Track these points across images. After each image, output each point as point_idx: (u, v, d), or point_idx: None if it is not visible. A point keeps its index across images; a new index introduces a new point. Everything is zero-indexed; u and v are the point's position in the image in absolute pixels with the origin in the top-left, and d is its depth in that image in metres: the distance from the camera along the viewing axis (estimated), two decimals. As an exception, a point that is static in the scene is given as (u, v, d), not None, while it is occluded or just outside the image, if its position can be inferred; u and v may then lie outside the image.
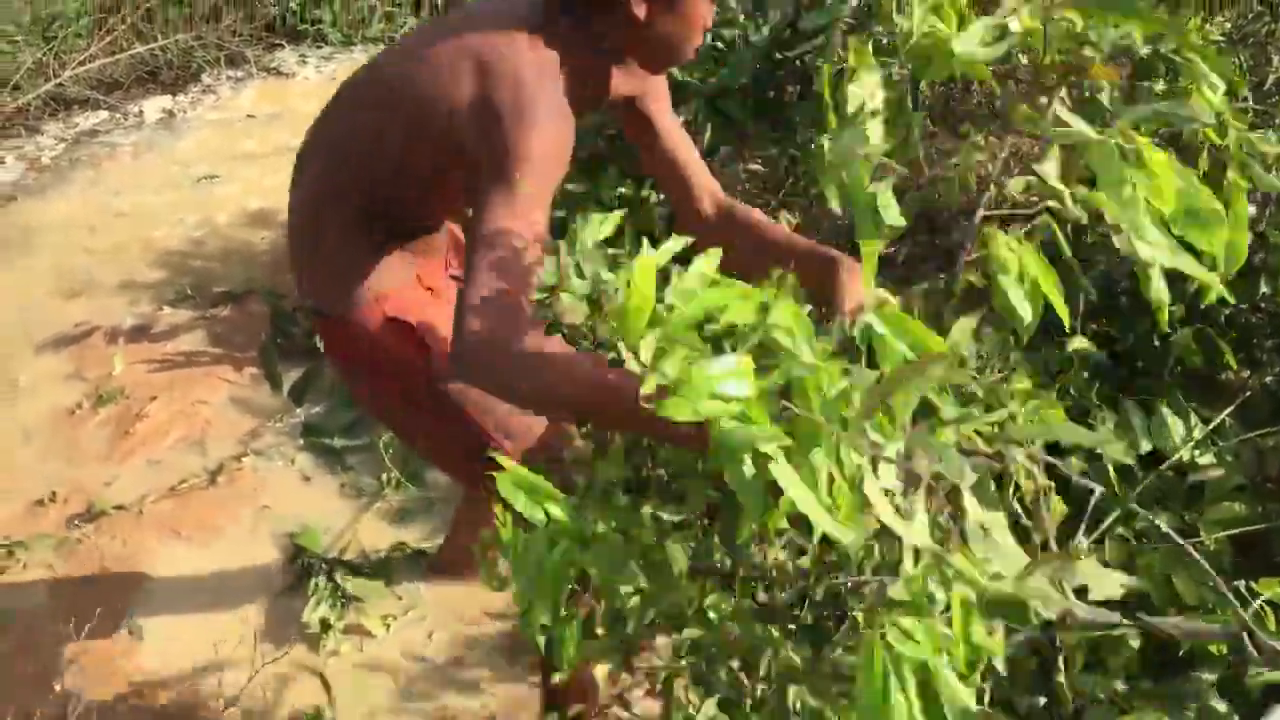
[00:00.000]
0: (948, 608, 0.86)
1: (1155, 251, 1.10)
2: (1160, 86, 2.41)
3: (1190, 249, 1.13)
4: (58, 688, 2.04)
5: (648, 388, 0.90)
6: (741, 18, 3.03)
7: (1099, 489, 1.12)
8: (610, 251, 1.23)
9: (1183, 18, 2.36)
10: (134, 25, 4.88)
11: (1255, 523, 1.53)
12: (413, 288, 1.58)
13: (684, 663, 1.09)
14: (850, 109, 1.14)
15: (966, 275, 1.25)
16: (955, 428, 1.00)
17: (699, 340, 0.98)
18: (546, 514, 1.01)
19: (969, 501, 0.86)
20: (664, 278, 1.02)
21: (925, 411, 1.02)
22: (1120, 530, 1.62)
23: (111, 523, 2.44)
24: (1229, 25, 2.64)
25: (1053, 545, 1.08)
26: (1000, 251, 1.16)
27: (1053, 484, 1.10)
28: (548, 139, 1.29)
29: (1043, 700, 1.45)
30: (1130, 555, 1.53)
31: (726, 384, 0.88)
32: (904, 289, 1.67)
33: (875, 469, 0.88)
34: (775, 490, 0.88)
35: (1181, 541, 1.09)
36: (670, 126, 1.65)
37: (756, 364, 0.93)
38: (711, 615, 1.07)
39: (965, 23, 1.16)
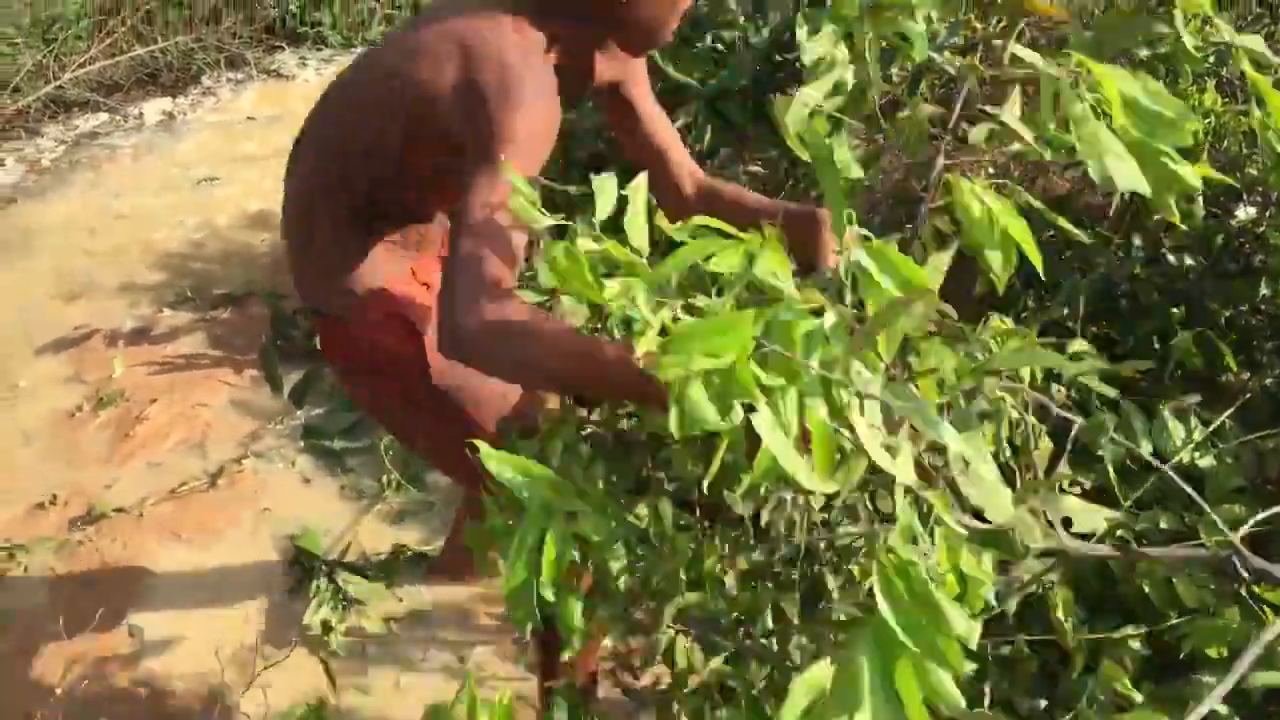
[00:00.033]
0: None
1: (1124, 177, 1.10)
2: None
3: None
4: (58, 690, 2.04)
5: (645, 345, 0.91)
6: (741, 19, 3.03)
7: (1080, 421, 1.13)
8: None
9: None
10: (134, 27, 4.88)
11: (1255, 525, 1.53)
12: (407, 283, 1.58)
13: (681, 629, 1.11)
14: (808, 62, 1.16)
15: (933, 221, 1.26)
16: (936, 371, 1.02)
17: (686, 292, 1.00)
18: (535, 489, 1.02)
19: (949, 435, 0.87)
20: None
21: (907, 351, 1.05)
22: (1120, 532, 1.62)
23: (112, 525, 2.44)
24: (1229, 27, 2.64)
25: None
26: (964, 198, 1.16)
27: (1043, 427, 1.11)
28: (533, 118, 1.29)
29: (1044, 703, 1.45)
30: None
31: (718, 339, 0.88)
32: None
33: (862, 408, 0.89)
34: (752, 440, 0.89)
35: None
36: (651, 110, 1.67)
37: (740, 309, 0.94)
38: (708, 577, 1.09)
39: None
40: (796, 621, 1.09)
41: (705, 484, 0.98)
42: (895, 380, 0.94)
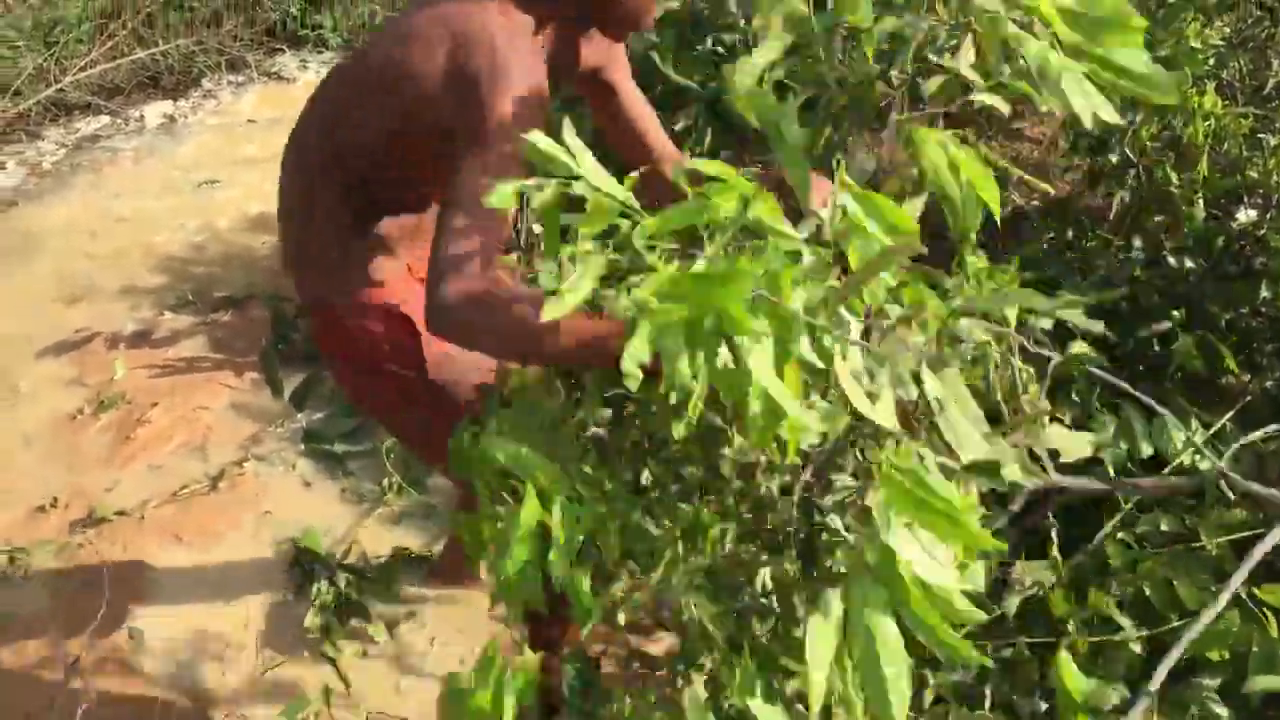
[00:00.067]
0: None
1: (1089, 111, 1.10)
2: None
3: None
4: (59, 693, 2.04)
5: (648, 289, 0.91)
6: (742, 22, 3.04)
7: (1055, 356, 1.14)
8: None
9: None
10: (135, 30, 4.88)
11: (1255, 527, 1.53)
12: (404, 279, 1.59)
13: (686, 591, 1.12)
14: (755, 28, 1.19)
15: (902, 172, 1.27)
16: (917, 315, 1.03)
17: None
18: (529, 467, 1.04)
19: (926, 378, 0.89)
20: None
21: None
22: (1121, 534, 1.62)
23: (113, 528, 2.44)
24: (1229, 30, 2.65)
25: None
26: (927, 148, 1.17)
27: (1032, 371, 1.13)
28: (522, 102, 1.31)
29: (1044, 706, 1.45)
30: (1132, 559, 1.54)
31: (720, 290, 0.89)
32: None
33: (844, 354, 0.91)
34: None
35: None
36: (632, 95, 1.70)
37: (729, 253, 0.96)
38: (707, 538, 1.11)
39: None
40: (798, 578, 1.11)
41: (682, 441, 1.00)
42: (876, 326, 0.97)
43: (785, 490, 1.11)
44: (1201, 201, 2.31)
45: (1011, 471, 0.99)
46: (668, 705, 1.14)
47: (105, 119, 4.58)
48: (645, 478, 1.15)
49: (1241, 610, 1.34)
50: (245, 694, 2.03)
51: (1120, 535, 1.61)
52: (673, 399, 0.92)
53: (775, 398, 0.88)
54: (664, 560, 1.10)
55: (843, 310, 0.93)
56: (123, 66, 4.75)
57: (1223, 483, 1.09)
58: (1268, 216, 2.20)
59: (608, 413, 1.19)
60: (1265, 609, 1.31)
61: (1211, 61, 2.48)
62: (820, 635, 0.87)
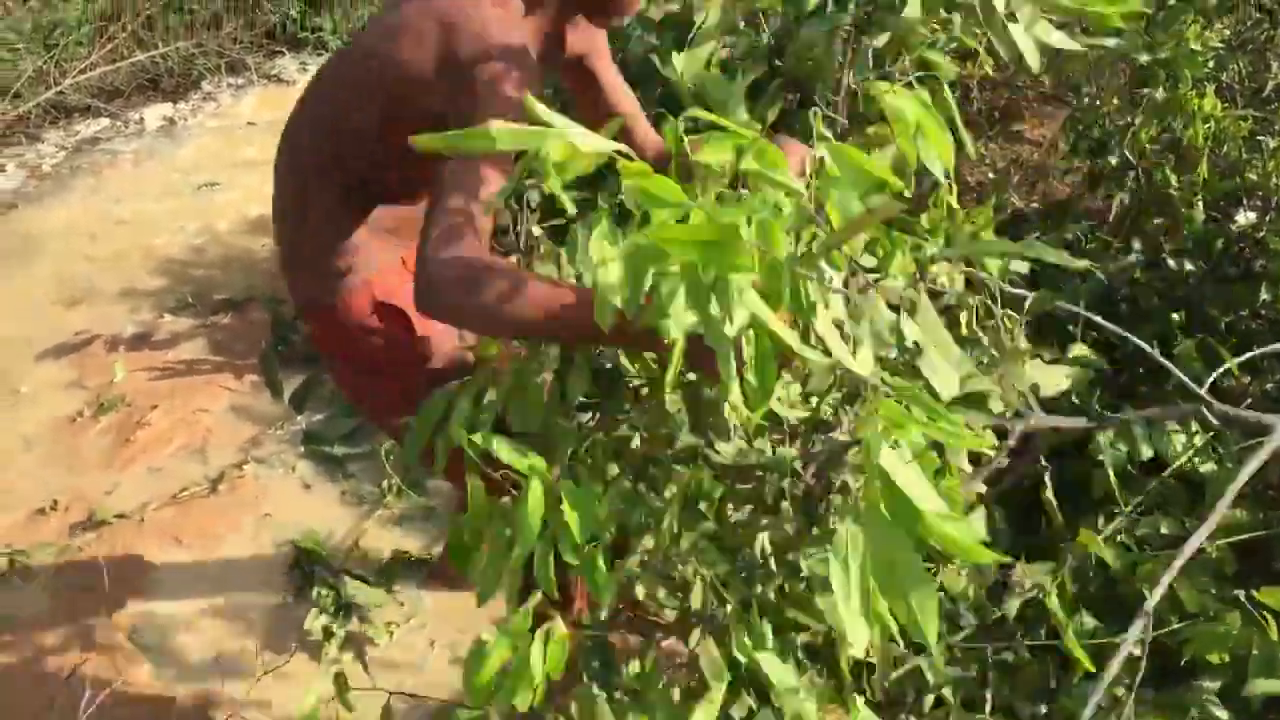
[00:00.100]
0: None
1: (1032, 51, 1.11)
2: (1160, 94, 2.42)
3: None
4: (59, 695, 2.04)
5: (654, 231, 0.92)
6: (742, 25, 3.04)
7: (1030, 295, 1.15)
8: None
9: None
10: (135, 33, 4.88)
11: (1256, 529, 1.53)
12: (398, 272, 1.59)
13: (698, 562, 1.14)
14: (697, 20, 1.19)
15: (875, 130, 1.27)
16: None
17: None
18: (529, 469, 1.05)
19: (905, 322, 0.90)
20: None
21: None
22: (1121, 537, 1.62)
23: (113, 531, 2.45)
24: (1228, 32, 2.65)
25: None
26: (890, 100, 1.17)
27: (1019, 317, 1.13)
28: (513, 85, 1.31)
29: (1044, 708, 1.45)
30: (1132, 561, 1.54)
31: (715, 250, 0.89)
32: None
33: (826, 303, 0.92)
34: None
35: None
36: (614, 81, 1.71)
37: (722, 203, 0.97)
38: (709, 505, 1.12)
39: None
40: (799, 534, 1.12)
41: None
42: (856, 275, 0.98)
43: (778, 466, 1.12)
44: (1201, 204, 2.31)
45: (995, 403, 1.00)
46: (676, 667, 1.14)
47: (105, 121, 4.58)
48: (635, 443, 1.15)
49: (1242, 612, 1.34)
50: (245, 696, 2.03)
51: (1120, 538, 1.61)
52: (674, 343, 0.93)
53: (778, 333, 0.88)
54: (665, 529, 1.11)
55: (823, 263, 0.94)
56: (122, 69, 4.76)
57: (1205, 410, 1.10)
58: (1267, 219, 2.20)
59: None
60: (1265, 612, 1.31)
61: (1211, 64, 2.48)
62: (839, 576, 0.86)
